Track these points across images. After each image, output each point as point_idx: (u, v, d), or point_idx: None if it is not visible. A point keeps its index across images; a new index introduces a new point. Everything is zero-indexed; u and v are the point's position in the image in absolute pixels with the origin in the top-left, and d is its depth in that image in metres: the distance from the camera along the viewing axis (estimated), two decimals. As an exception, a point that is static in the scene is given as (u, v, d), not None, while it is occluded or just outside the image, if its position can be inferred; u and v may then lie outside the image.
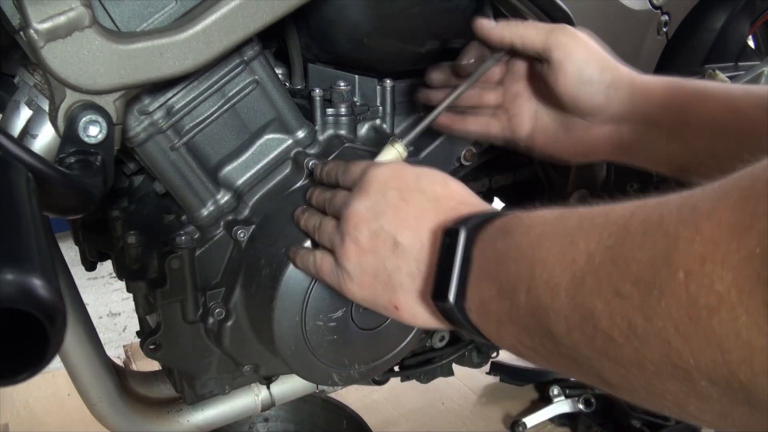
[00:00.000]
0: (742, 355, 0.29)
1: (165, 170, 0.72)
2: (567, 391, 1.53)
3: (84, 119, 0.58)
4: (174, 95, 0.69)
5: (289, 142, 0.77)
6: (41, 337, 0.37)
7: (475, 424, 1.56)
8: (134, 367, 1.61)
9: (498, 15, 0.85)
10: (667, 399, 0.34)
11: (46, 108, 0.61)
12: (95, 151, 0.59)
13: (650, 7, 0.92)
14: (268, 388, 0.94)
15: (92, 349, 0.83)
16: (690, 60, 1.05)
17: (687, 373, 0.31)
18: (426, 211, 0.56)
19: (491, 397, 1.65)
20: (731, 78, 1.00)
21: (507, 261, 0.45)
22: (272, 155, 0.77)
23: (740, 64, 1.11)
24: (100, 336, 0.85)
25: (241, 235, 0.75)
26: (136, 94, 0.64)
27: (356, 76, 0.82)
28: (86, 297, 0.84)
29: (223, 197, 0.75)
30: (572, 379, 1.55)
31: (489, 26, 0.68)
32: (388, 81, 0.82)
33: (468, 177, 0.93)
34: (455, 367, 1.18)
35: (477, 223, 0.50)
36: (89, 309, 0.84)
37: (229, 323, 0.78)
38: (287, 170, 0.77)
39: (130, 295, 0.78)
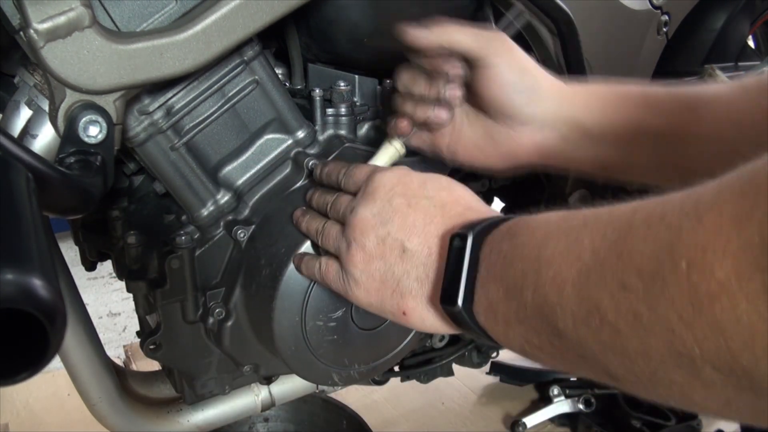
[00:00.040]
0: (743, 340, 0.29)
1: (165, 170, 0.72)
2: (567, 391, 1.53)
3: (84, 119, 0.58)
4: (174, 95, 0.69)
5: (289, 142, 0.77)
6: (41, 337, 0.37)
7: (475, 424, 1.56)
8: (134, 367, 1.61)
9: (498, 15, 0.85)
10: (673, 389, 0.35)
11: (46, 108, 0.61)
12: (95, 151, 0.59)
13: (650, 7, 0.92)
14: (268, 388, 0.94)
15: (92, 349, 0.83)
16: (690, 60, 1.05)
17: (691, 361, 0.32)
18: (433, 216, 0.56)
19: (491, 397, 1.65)
20: (731, 78, 1.00)
21: (513, 261, 0.46)
22: (272, 155, 0.77)
23: (740, 64, 1.11)
24: (100, 336, 0.85)
25: (241, 235, 0.75)
26: (136, 94, 0.64)
27: (356, 76, 0.82)
28: (86, 297, 0.84)
29: (223, 197, 0.75)
30: (572, 379, 1.55)
31: (420, 35, 0.67)
32: (388, 81, 0.82)
33: (468, 177, 0.93)
34: (455, 367, 1.19)
35: (484, 228, 0.51)
36: (89, 309, 0.84)
37: (229, 323, 0.78)
38: (287, 170, 0.77)
39: (130, 295, 0.78)
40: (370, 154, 0.75)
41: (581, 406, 1.50)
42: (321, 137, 0.79)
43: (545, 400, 1.55)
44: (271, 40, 0.83)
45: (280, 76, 0.80)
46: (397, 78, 0.71)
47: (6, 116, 0.64)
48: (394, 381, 1.16)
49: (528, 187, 1.04)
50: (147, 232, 0.79)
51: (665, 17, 0.94)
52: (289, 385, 0.96)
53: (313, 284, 0.71)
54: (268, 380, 0.92)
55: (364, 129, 0.84)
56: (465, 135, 0.72)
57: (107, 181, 0.60)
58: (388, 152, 0.72)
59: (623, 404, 1.47)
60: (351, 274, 0.59)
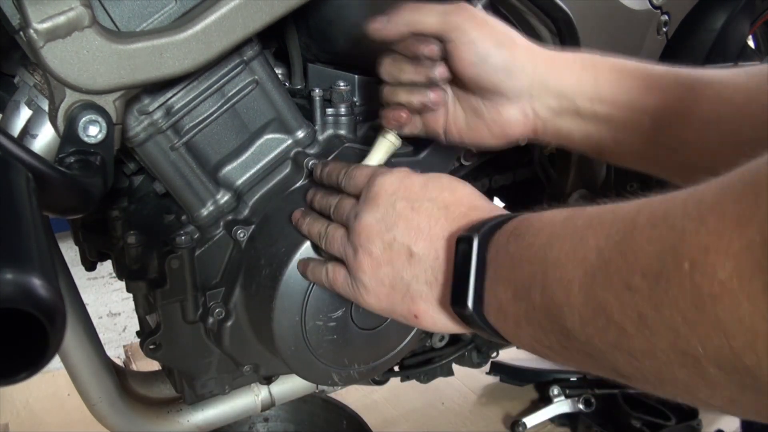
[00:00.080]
0: (745, 340, 0.29)
1: (165, 170, 0.72)
2: (567, 391, 1.53)
3: (84, 119, 0.58)
4: (174, 95, 0.69)
5: (289, 142, 0.77)
6: (41, 337, 0.37)
7: (475, 424, 1.56)
8: (134, 367, 1.61)
9: (497, 16, 0.85)
10: (678, 387, 0.36)
11: (46, 108, 0.61)
12: (95, 151, 0.59)
13: (650, 7, 0.92)
14: (268, 388, 0.94)
15: (92, 349, 0.83)
16: (690, 60, 1.05)
17: (696, 360, 0.32)
18: (437, 219, 0.56)
19: (491, 397, 1.65)
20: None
21: (521, 263, 0.46)
22: (272, 155, 0.77)
23: (740, 64, 1.11)
24: (100, 336, 0.85)
25: (241, 235, 0.75)
26: (136, 94, 0.64)
27: (356, 76, 0.82)
28: (86, 297, 0.84)
29: (223, 197, 0.75)
30: (572, 379, 1.55)
31: (381, 26, 0.65)
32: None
33: (468, 177, 0.93)
34: (455, 367, 1.19)
35: (488, 229, 0.51)
36: (89, 309, 0.84)
37: (229, 323, 0.78)
38: (287, 170, 0.77)
39: (130, 295, 0.78)
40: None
41: (581, 406, 1.49)
42: (321, 137, 0.79)
43: (545, 400, 1.55)
44: (271, 40, 0.83)
45: (280, 76, 0.80)
46: (381, 69, 0.69)
47: (6, 116, 0.64)
48: (394, 381, 1.15)
49: (528, 187, 1.04)
50: (147, 232, 0.79)
51: (665, 17, 0.94)
52: (289, 385, 0.96)
53: (313, 284, 0.71)
54: (268, 380, 0.92)
55: (364, 129, 0.84)
56: (456, 115, 0.70)
57: (107, 181, 0.60)
58: (384, 147, 0.71)
59: (623, 404, 1.47)
60: (360, 281, 0.60)
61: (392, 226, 0.57)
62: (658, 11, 0.93)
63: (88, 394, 0.84)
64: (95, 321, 0.84)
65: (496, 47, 0.64)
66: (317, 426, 1.30)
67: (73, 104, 0.58)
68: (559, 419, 1.53)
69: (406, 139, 0.84)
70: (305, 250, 0.70)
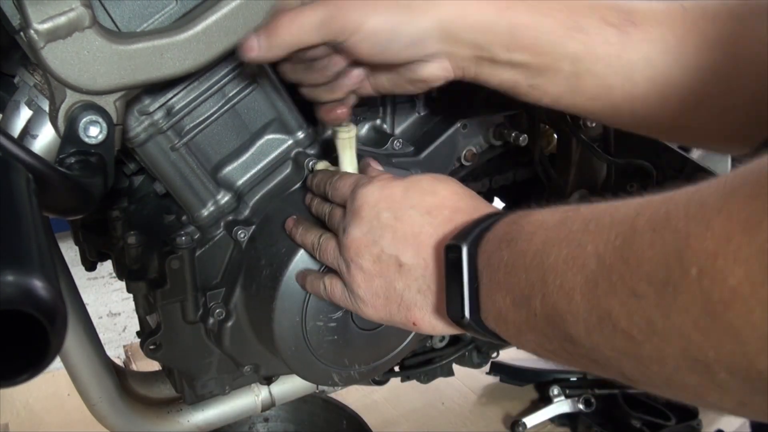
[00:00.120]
0: (759, 346, 0.29)
1: (165, 170, 0.71)
2: (567, 391, 1.53)
3: (84, 120, 0.58)
4: (174, 95, 0.69)
5: (290, 142, 0.77)
6: (42, 338, 0.37)
7: (475, 424, 1.56)
8: (134, 367, 1.61)
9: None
10: (687, 391, 0.35)
11: (46, 108, 0.61)
12: (95, 152, 0.59)
13: (650, 7, 0.92)
14: (268, 388, 0.94)
15: (92, 349, 0.83)
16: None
17: (707, 366, 0.32)
18: (421, 226, 0.56)
19: (491, 397, 1.64)
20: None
21: (516, 271, 0.45)
22: (272, 155, 0.77)
23: None
24: (100, 336, 0.85)
25: (242, 235, 0.75)
26: (137, 94, 0.64)
27: (356, 77, 0.82)
28: (86, 297, 0.84)
29: (224, 197, 0.75)
30: (572, 379, 1.55)
31: (257, 52, 0.59)
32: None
33: (468, 177, 0.93)
34: (455, 367, 1.18)
35: (476, 235, 0.51)
36: (89, 309, 0.84)
37: (230, 323, 0.78)
38: (287, 170, 0.77)
39: (130, 295, 0.78)
40: (370, 154, 0.75)
41: (581, 406, 1.49)
42: (321, 137, 0.79)
43: (545, 400, 1.55)
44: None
45: (280, 76, 0.80)
46: (286, 75, 0.66)
47: (6, 116, 0.64)
48: (394, 381, 1.15)
49: (528, 187, 1.04)
50: (147, 232, 0.79)
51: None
52: (289, 385, 0.96)
53: (314, 284, 0.71)
54: (268, 380, 0.92)
55: (364, 129, 0.84)
56: (378, 83, 0.66)
57: (107, 182, 0.60)
58: (347, 145, 0.69)
59: (623, 404, 1.47)
60: (356, 294, 0.60)
61: (379, 239, 0.57)
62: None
63: (88, 394, 0.84)
64: (95, 321, 0.84)
65: (394, 28, 0.59)
66: (317, 426, 1.30)
67: (74, 105, 0.58)
68: (559, 419, 1.53)
69: (407, 140, 0.84)
70: (304, 253, 0.70)
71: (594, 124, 0.96)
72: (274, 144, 0.77)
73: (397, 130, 0.86)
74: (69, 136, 0.58)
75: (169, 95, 0.69)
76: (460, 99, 0.88)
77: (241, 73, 0.71)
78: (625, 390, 1.51)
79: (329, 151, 0.78)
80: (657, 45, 0.58)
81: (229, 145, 0.75)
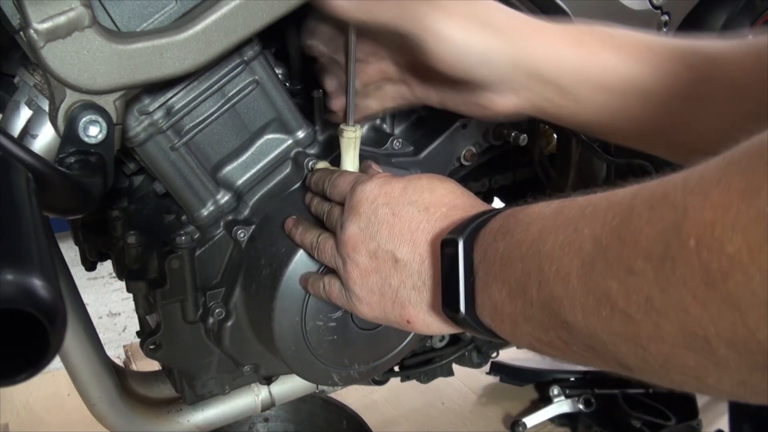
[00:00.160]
0: (759, 314, 0.29)
1: (165, 170, 0.72)
2: (567, 391, 1.53)
3: (84, 119, 0.58)
4: (174, 95, 0.69)
5: (289, 142, 0.77)
6: (41, 338, 0.37)
7: (475, 424, 1.56)
8: (134, 367, 1.61)
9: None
10: (686, 373, 0.35)
11: (46, 108, 0.61)
12: (95, 151, 0.59)
13: (650, 7, 0.92)
14: (268, 388, 0.94)
15: (92, 349, 0.83)
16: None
17: (706, 341, 0.31)
18: (418, 222, 0.56)
19: (491, 397, 1.65)
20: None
21: (512, 262, 0.45)
22: (272, 155, 0.77)
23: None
24: (100, 336, 0.85)
25: (241, 235, 0.75)
26: (136, 94, 0.64)
27: (356, 76, 0.82)
28: (86, 297, 0.84)
29: (223, 197, 0.75)
30: (572, 379, 1.55)
31: (345, 5, 0.60)
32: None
33: (468, 177, 0.93)
34: (455, 367, 1.18)
35: (473, 229, 0.50)
36: (89, 309, 0.84)
37: (229, 323, 0.78)
38: (287, 170, 0.77)
39: (130, 295, 0.78)
40: (371, 155, 0.75)
41: (581, 406, 1.50)
42: (321, 137, 0.79)
43: (545, 400, 1.55)
44: (271, 40, 0.82)
45: (280, 76, 0.80)
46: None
47: (6, 116, 0.64)
48: (394, 381, 1.15)
49: (528, 187, 1.04)
50: (147, 232, 0.79)
51: (665, 17, 0.94)
52: (289, 385, 0.96)
53: (313, 284, 0.71)
54: (268, 380, 0.92)
55: (364, 129, 0.84)
56: (427, 96, 0.67)
57: (107, 181, 0.60)
58: (350, 144, 0.69)
59: (623, 404, 1.47)
60: (351, 291, 0.60)
61: (375, 234, 0.57)
62: (659, 11, 0.93)
63: (88, 394, 0.84)
64: (95, 321, 0.84)
65: (468, 41, 0.58)
66: (317, 426, 1.31)
67: (74, 104, 0.58)
68: (559, 419, 1.54)
69: (406, 140, 0.84)
70: (303, 253, 0.70)
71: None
72: (274, 144, 0.77)
73: (397, 130, 0.86)
74: (69, 136, 0.58)
75: (169, 95, 0.69)
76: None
77: (241, 72, 0.71)
78: (625, 390, 1.51)
79: (329, 151, 0.78)
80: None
81: (228, 145, 0.75)
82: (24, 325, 0.37)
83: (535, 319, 0.44)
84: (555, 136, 1.03)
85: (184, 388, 0.85)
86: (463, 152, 0.88)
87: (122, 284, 0.80)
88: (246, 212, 0.77)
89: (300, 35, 0.71)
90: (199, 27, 0.60)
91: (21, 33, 0.55)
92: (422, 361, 1.14)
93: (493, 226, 0.49)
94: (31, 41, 0.53)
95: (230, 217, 0.76)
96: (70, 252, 0.91)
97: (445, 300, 0.52)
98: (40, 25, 0.53)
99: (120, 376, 0.89)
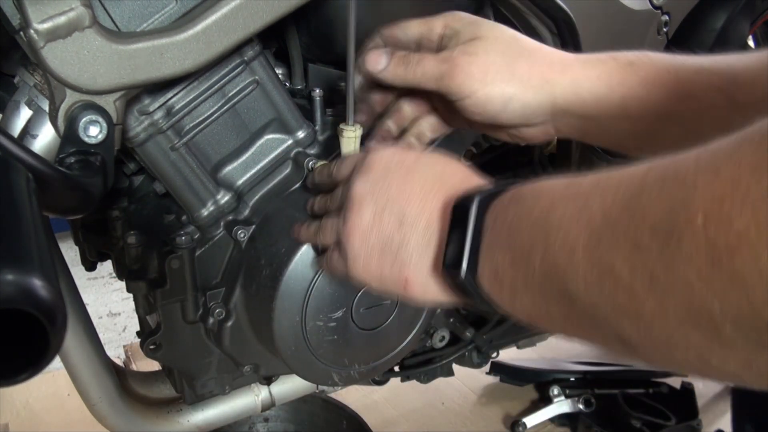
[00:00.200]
0: (765, 292, 0.28)
1: (165, 170, 0.72)
2: (567, 391, 1.53)
3: (84, 119, 0.58)
4: (174, 95, 0.69)
5: (290, 142, 0.77)
6: (41, 338, 0.37)
7: (475, 424, 1.56)
8: (134, 367, 1.61)
9: (498, 16, 0.85)
10: (690, 353, 0.34)
11: (46, 108, 0.61)
12: (95, 151, 0.59)
13: (650, 7, 0.92)
14: (268, 388, 0.94)
15: (92, 349, 0.83)
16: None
17: (711, 319, 0.31)
18: (432, 185, 0.55)
19: (491, 397, 1.65)
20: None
21: (520, 228, 0.45)
22: (272, 155, 0.77)
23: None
24: (100, 336, 0.85)
25: (242, 235, 0.75)
26: (136, 94, 0.64)
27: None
28: (86, 297, 0.84)
29: (224, 197, 0.75)
30: (572, 379, 1.55)
31: (382, 63, 0.65)
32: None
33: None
34: (455, 367, 1.18)
35: (488, 194, 0.50)
36: (89, 309, 0.84)
37: (229, 323, 0.78)
38: (287, 170, 0.77)
39: (130, 295, 0.78)
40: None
41: (581, 406, 1.49)
42: (321, 137, 0.79)
43: (545, 400, 1.55)
44: (271, 40, 0.82)
45: (280, 76, 0.80)
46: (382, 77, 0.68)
47: (6, 116, 0.64)
48: (394, 381, 1.15)
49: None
50: (147, 232, 0.79)
51: (665, 17, 0.94)
52: (289, 385, 0.96)
53: (314, 284, 0.71)
54: (268, 380, 0.92)
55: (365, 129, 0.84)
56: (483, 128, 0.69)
57: (107, 181, 0.60)
58: (350, 145, 0.69)
59: (623, 404, 1.47)
60: (350, 249, 0.58)
61: (385, 192, 0.56)
62: (659, 11, 0.93)
63: (88, 394, 0.84)
64: (95, 321, 0.84)
65: (507, 101, 0.62)
66: (317, 426, 1.30)
67: (74, 104, 0.58)
68: (559, 419, 1.53)
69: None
70: (306, 250, 0.70)
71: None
72: (274, 144, 0.77)
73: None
74: (69, 136, 0.58)
75: (169, 95, 0.69)
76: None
77: (241, 73, 0.71)
78: (625, 390, 1.51)
79: (329, 151, 0.78)
80: None
81: (229, 145, 0.75)
82: (24, 325, 0.37)
83: (536, 289, 0.43)
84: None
85: (184, 388, 0.85)
86: (464, 152, 0.88)
87: (122, 284, 0.80)
88: (246, 212, 0.77)
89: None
90: (199, 27, 0.60)
91: (21, 33, 0.55)
92: (422, 361, 1.14)
93: (508, 194, 0.49)
94: (31, 41, 0.53)
95: (230, 217, 0.76)
96: (70, 252, 0.91)
97: (448, 258, 0.51)
98: (40, 25, 0.53)
99: (120, 376, 0.89)
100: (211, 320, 0.77)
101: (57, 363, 0.56)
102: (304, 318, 0.71)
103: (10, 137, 0.49)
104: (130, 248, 0.77)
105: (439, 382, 1.19)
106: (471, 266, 0.49)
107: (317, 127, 0.78)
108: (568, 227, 0.39)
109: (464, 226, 0.49)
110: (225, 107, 0.72)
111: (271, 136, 0.76)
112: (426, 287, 0.55)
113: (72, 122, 0.58)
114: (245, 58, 0.71)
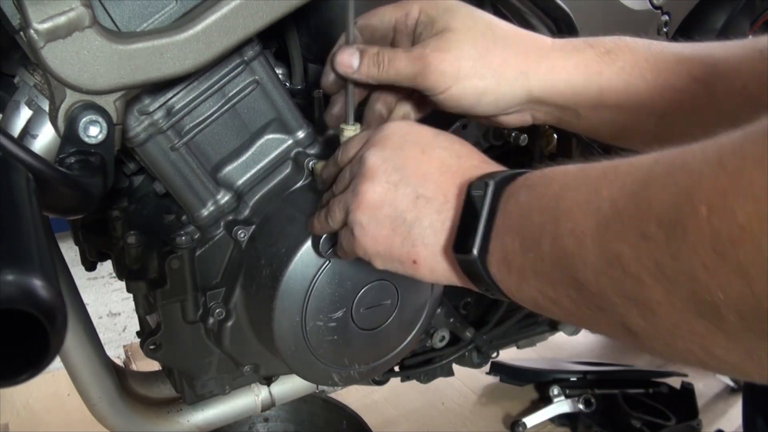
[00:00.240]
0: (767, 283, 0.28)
1: (165, 170, 0.71)
2: (567, 391, 1.53)
3: (84, 119, 0.58)
4: (174, 95, 0.69)
5: (290, 142, 0.77)
6: (42, 338, 0.37)
7: (475, 424, 1.56)
8: (134, 367, 1.61)
9: (498, 15, 0.85)
10: (694, 342, 0.34)
11: (46, 108, 0.61)
12: (95, 151, 0.59)
13: (650, 7, 0.92)
14: (268, 388, 0.94)
15: (92, 349, 0.83)
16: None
17: (715, 309, 0.31)
18: (449, 165, 0.55)
19: (491, 397, 1.65)
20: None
21: (530, 214, 0.45)
22: (272, 155, 0.77)
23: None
24: (100, 336, 0.85)
25: (242, 235, 0.75)
26: (136, 94, 0.64)
27: (356, 76, 0.82)
28: (86, 297, 0.84)
29: (224, 197, 0.75)
30: (572, 379, 1.55)
31: (352, 66, 0.64)
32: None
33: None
34: (455, 367, 1.18)
35: (504, 178, 0.50)
36: (89, 309, 0.84)
37: (229, 323, 0.78)
38: (287, 170, 0.77)
39: (130, 295, 0.78)
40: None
41: (581, 406, 1.49)
42: (321, 137, 0.79)
43: (545, 400, 1.55)
44: (271, 40, 0.82)
45: (280, 76, 0.80)
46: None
47: (6, 116, 0.64)
48: (394, 381, 1.15)
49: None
50: (147, 232, 0.79)
51: (665, 17, 0.94)
52: (289, 385, 0.96)
53: (314, 284, 0.71)
54: (268, 380, 0.92)
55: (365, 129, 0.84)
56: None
57: (107, 181, 0.60)
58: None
59: (623, 404, 1.47)
60: (358, 222, 0.56)
61: (400, 167, 0.55)
62: (659, 11, 0.93)
63: (88, 394, 0.84)
64: (95, 321, 0.84)
65: (482, 93, 0.62)
66: (317, 426, 1.31)
67: (74, 104, 0.58)
68: (559, 419, 1.54)
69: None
70: (305, 250, 0.70)
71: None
72: (274, 144, 0.77)
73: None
74: (69, 136, 0.58)
75: (169, 95, 0.69)
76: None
77: (241, 73, 0.71)
78: (625, 390, 1.51)
79: (329, 151, 0.78)
80: None
81: (229, 145, 0.75)
82: (24, 326, 0.37)
83: (544, 275, 0.43)
84: (555, 136, 1.03)
85: (184, 388, 0.85)
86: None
87: (122, 284, 0.80)
88: (246, 212, 0.77)
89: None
90: (199, 27, 0.60)
91: (21, 33, 0.55)
92: (422, 361, 1.14)
93: (522, 180, 0.49)
94: (32, 41, 0.53)
95: (230, 217, 0.76)
96: (70, 252, 0.91)
97: (459, 239, 0.51)
98: (40, 25, 0.53)
99: (120, 376, 0.89)
100: (211, 320, 0.77)
101: (57, 363, 0.56)
102: (304, 318, 0.71)
103: (10, 137, 0.49)
104: (130, 248, 0.77)
105: (439, 382, 1.19)
106: (482, 249, 0.49)
107: (317, 127, 0.78)
108: (577, 215, 0.40)
109: (479, 209, 0.49)
110: (225, 107, 0.72)
111: (271, 136, 0.76)
112: (434, 268, 0.55)
113: (72, 122, 0.58)
114: (245, 58, 0.71)
